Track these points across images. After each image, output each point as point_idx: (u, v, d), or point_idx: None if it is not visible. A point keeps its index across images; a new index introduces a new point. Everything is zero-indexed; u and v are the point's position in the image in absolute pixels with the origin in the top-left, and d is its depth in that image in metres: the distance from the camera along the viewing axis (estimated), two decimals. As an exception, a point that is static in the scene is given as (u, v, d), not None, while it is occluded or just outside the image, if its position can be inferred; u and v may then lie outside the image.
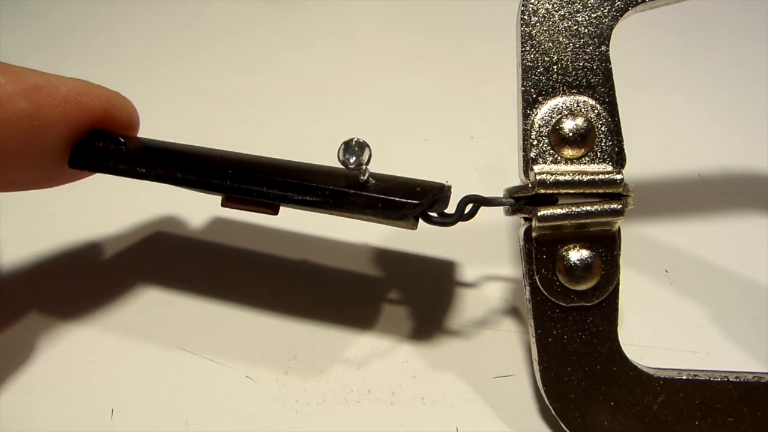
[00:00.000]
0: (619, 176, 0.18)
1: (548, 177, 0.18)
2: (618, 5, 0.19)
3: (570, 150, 0.18)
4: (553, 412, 0.19)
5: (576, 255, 0.18)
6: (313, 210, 0.19)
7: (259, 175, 0.18)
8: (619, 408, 0.18)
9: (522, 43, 0.19)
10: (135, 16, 0.43)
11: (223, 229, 0.27)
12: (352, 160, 0.17)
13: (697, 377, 0.18)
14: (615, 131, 0.18)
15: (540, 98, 0.19)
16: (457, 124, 0.33)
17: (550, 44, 0.19)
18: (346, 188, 0.18)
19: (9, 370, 0.21)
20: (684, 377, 0.18)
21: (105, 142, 0.20)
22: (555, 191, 0.18)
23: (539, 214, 0.18)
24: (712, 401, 0.18)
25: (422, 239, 0.25)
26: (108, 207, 0.27)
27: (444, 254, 0.26)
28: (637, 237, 0.26)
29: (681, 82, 0.36)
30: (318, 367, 0.22)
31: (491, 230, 0.26)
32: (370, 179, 0.18)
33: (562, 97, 0.19)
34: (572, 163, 0.18)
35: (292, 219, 0.22)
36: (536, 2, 0.19)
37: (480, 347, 0.22)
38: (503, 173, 0.29)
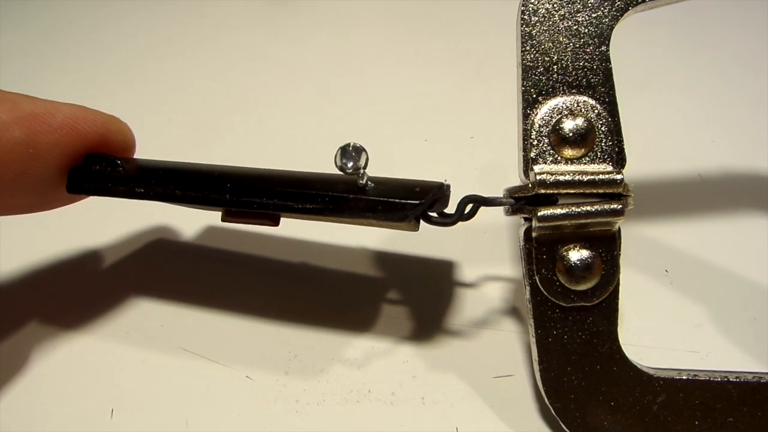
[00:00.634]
0: (619, 176, 0.18)
1: (548, 177, 0.18)
2: (618, 5, 0.19)
3: (570, 150, 0.18)
4: (553, 412, 0.19)
5: (576, 255, 0.18)
6: (314, 218, 0.19)
7: (257, 186, 0.18)
8: (619, 408, 0.18)
9: (522, 43, 0.19)
10: (134, 16, 0.43)
11: (223, 235, 0.27)
12: (350, 164, 0.17)
13: (697, 377, 0.18)
14: (615, 131, 0.18)
15: (540, 98, 0.19)
16: (457, 124, 0.33)
17: (550, 44, 0.19)
18: (345, 193, 0.18)
19: (10, 371, 0.21)
20: (684, 377, 0.18)
21: (102, 165, 0.20)
22: (555, 191, 0.18)
23: (539, 214, 0.18)
24: (712, 401, 0.18)
25: (422, 239, 0.25)
26: (109, 214, 0.27)
27: (444, 254, 0.26)
28: (637, 237, 0.26)
29: (681, 82, 0.36)
30: (318, 367, 0.22)
31: (491, 230, 0.26)
32: (369, 183, 0.18)
33: (562, 97, 0.19)
34: (572, 163, 0.18)
35: (291, 226, 0.22)
36: (536, 2, 0.19)
37: (480, 347, 0.22)
38: (503, 173, 0.29)
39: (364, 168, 0.17)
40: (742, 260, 0.25)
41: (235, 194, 0.18)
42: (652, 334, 0.22)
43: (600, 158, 0.18)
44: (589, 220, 0.18)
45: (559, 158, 0.18)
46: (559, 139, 0.18)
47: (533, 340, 0.19)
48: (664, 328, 0.23)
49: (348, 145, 0.17)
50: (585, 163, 0.18)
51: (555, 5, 0.19)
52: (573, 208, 0.18)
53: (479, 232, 0.26)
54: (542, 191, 0.18)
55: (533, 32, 0.19)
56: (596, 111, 0.18)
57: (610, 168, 0.18)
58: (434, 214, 0.18)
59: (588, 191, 0.18)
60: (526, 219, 0.19)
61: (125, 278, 0.25)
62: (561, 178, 0.18)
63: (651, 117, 0.33)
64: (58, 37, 0.41)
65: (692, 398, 0.18)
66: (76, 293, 0.24)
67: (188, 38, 0.41)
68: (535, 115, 0.18)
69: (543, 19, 0.19)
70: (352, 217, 0.18)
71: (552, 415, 0.19)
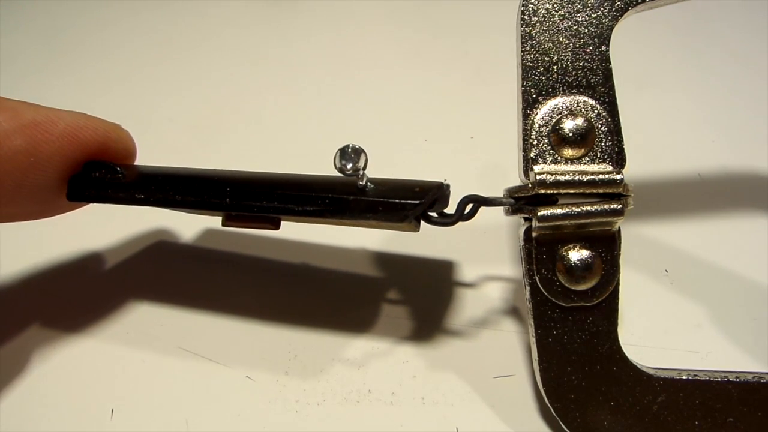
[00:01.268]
0: (619, 176, 0.18)
1: (548, 177, 0.18)
2: (618, 5, 0.19)
3: (570, 150, 0.18)
4: (553, 412, 0.19)
5: (576, 255, 0.18)
6: (314, 220, 0.19)
7: (257, 190, 0.18)
8: (619, 408, 0.18)
9: (522, 43, 0.19)
10: (134, 16, 0.43)
11: (222, 236, 0.27)
12: (349, 166, 0.17)
13: (697, 377, 0.18)
14: (615, 131, 0.18)
15: (540, 98, 0.19)
16: (457, 124, 0.33)
17: (550, 44, 0.19)
18: (345, 195, 0.18)
19: (11, 371, 0.21)
20: (684, 377, 0.18)
21: (102, 172, 0.20)
22: (555, 191, 0.18)
23: (539, 214, 0.18)
24: (712, 401, 0.18)
25: (422, 240, 0.25)
26: (110, 216, 0.27)
27: (444, 254, 0.26)
28: (637, 237, 0.26)
29: (681, 82, 0.36)
30: (318, 367, 0.22)
31: (491, 230, 0.26)
32: (369, 184, 0.18)
33: (562, 97, 0.19)
34: (572, 163, 0.18)
35: (291, 227, 0.22)
36: (536, 2, 0.19)
37: (480, 347, 0.22)
38: (503, 173, 0.29)
39: (364, 169, 0.17)
40: (742, 260, 0.25)
41: (234, 198, 0.18)
42: (652, 334, 0.22)
43: (600, 158, 0.18)
44: (589, 220, 0.18)
45: (559, 158, 0.18)
46: (559, 139, 0.18)
47: (533, 340, 0.19)
48: (664, 328, 0.23)
49: (347, 146, 0.17)
50: (585, 163, 0.18)
51: (555, 5, 0.19)
52: (573, 208, 0.18)
53: (479, 232, 0.26)
54: (542, 191, 0.18)
55: (533, 32, 0.19)
56: (596, 111, 0.18)
57: (610, 168, 0.18)
58: (434, 214, 0.19)
59: (588, 191, 0.18)
60: (526, 219, 0.19)
61: (126, 279, 0.25)
62: (561, 178, 0.18)
63: (651, 117, 0.33)
64: (56, 37, 0.41)
65: (692, 398, 0.18)
66: (77, 295, 0.24)
67: (188, 39, 0.41)
68: (535, 115, 0.18)
69: (543, 19, 0.19)
70: (353, 218, 0.18)
71: (552, 415, 0.19)
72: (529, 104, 0.19)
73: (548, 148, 0.18)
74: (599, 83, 0.18)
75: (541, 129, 0.18)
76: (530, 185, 0.18)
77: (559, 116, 0.18)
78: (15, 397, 0.21)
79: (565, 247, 0.18)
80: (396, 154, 0.30)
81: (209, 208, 0.19)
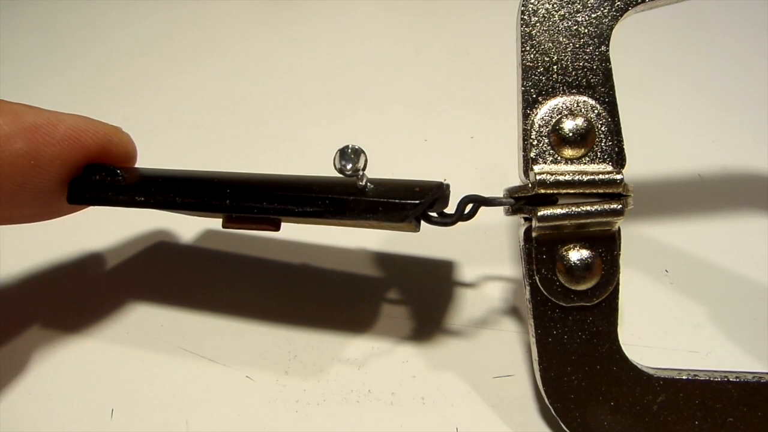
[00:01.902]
0: (619, 176, 0.18)
1: (548, 177, 0.18)
2: (618, 5, 0.19)
3: (570, 150, 0.18)
4: (553, 412, 0.19)
5: (576, 255, 0.18)
6: (314, 221, 0.19)
7: (257, 191, 0.18)
8: (619, 408, 0.18)
9: (522, 43, 0.19)
10: (134, 17, 0.43)
11: (222, 237, 0.27)
12: (349, 166, 0.17)
13: (697, 377, 0.18)
14: (615, 131, 0.18)
15: (540, 98, 0.19)
16: (457, 124, 0.33)
17: (550, 44, 0.19)
18: (345, 195, 0.18)
19: (11, 371, 0.21)
20: (684, 377, 0.18)
21: (102, 175, 0.20)
22: (555, 191, 0.18)
23: (539, 214, 0.18)
24: (712, 401, 0.18)
25: (422, 240, 0.25)
26: (110, 217, 0.27)
27: (444, 254, 0.26)
28: (637, 237, 0.26)
29: (681, 82, 0.36)
30: (318, 367, 0.22)
31: (491, 230, 0.26)
32: (368, 184, 0.18)
33: (562, 97, 0.19)
34: (572, 163, 0.18)
35: (291, 228, 0.22)
36: (536, 2, 0.19)
37: (480, 347, 0.22)
38: (503, 173, 0.29)
39: (363, 169, 0.17)
40: (742, 260, 0.25)
41: (235, 200, 0.18)
42: (652, 334, 0.22)
43: (600, 158, 0.18)
44: (589, 220, 0.18)
45: (559, 158, 0.18)
46: (559, 139, 0.18)
47: (533, 340, 0.19)
48: (664, 328, 0.23)
49: (347, 147, 0.17)
50: (585, 163, 0.18)
51: (555, 5, 0.19)
52: (573, 208, 0.18)
53: (479, 232, 0.26)
54: (542, 191, 0.18)
55: (533, 32, 0.19)
56: (596, 111, 0.18)
57: (610, 168, 0.18)
58: (434, 214, 0.19)
59: (588, 191, 0.18)
60: (526, 219, 0.19)
61: (126, 280, 0.25)
62: (561, 178, 0.18)
63: (651, 117, 0.33)
64: (56, 39, 0.41)
65: (692, 398, 0.18)
66: (77, 295, 0.24)
67: (188, 39, 0.41)
68: (535, 115, 0.18)
69: (543, 20, 0.19)
70: (353, 218, 0.18)
71: (552, 415, 0.19)
72: (529, 104, 0.19)
73: (548, 148, 0.18)
74: (599, 83, 0.18)
75: (541, 129, 0.18)
76: (530, 185, 0.18)
77: (559, 116, 0.18)
78: (15, 397, 0.21)
79: (565, 247, 0.18)
80: (396, 154, 0.30)
81: (209, 210, 0.19)
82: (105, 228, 0.27)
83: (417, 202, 0.17)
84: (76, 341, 0.23)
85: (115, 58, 0.39)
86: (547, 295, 0.18)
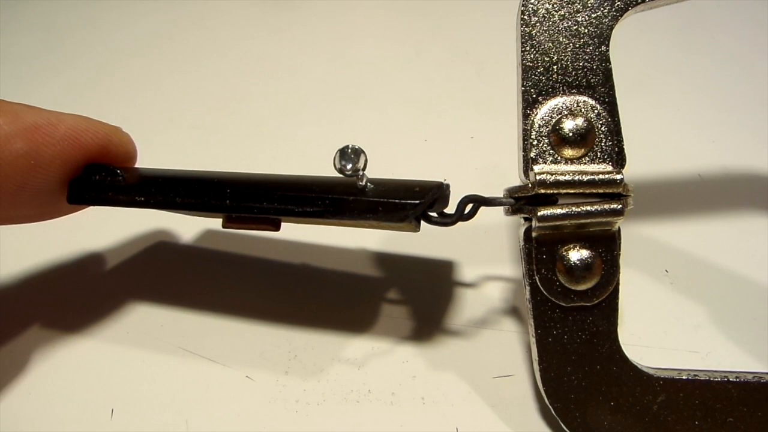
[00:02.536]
0: (619, 176, 0.18)
1: (548, 177, 0.18)
2: (618, 5, 0.19)
3: (570, 150, 0.18)
4: (553, 412, 0.19)
5: (576, 255, 0.18)
6: (314, 221, 0.19)
7: (257, 191, 0.18)
8: (619, 408, 0.18)
9: (522, 43, 0.19)
10: (134, 17, 0.43)
11: (222, 237, 0.27)
12: (349, 166, 0.17)
13: (697, 377, 0.18)
14: (615, 131, 0.18)
15: (540, 98, 0.19)
16: (457, 124, 0.33)
17: (550, 44, 0.19)
18: (345, 195, 0.18)
19: (11, 371, 0.21)
20: (684, 377, 0.18)
21: (102, 175, 0.20)
22: (555, 191, 0.18)
23: (539, 214, 0.18)
24: (712, 401, 0.18)
25: (422, 240, 0.25)
26: (110, 217, 0.27)
27: (444, 254, 0.26)
28: (637, 237, 0.26)
29: (681, 82, 0.36)
30: (318, 367, 0.22)
31: (491, 230, 0.26)
32: (368, 184, 0.18)
33: (562, 97, 0.19)
34: (572, 163, 0.18)
35: (291, 228, 0.22)
36: (536, 2, 0.19)
37: (480, 347, 0.22)
38: (503, 173, 0.29)
39: (363, 169, 0.17)
40: (742, 260, 0.25)
41: (235, 200, 0.18)
42: (652, 334, 0.22)
43: (600, 158, 0.18)
44: (589, 220, 0.18)
45: (559, 158, 0.18)
46: (559, 139, 0.18)
47: (533, 340, 0.19)
48: (664, 328, 0.23)
49: (346, 147, 0.17)
50: (585, 163, 0.18)
51: (555, 5, 0.19)
52: (573, 208, 0.18)
53: (479, 232, 0.26)
54: (542, 191, 0.18)
55: (533, 32, 0.19)
56: (596, 111, 0.18)
57: (610, 168, 0.18)
58: (434, 214, 0.19)
59: (588, 191, 0.18)
60: (526, 219, 0.19)
61: (126, 280, 0.25)
62: (561, 178, 0.18)
63: (651, 117, 0.33)
64: (56, 39, 0.41)
65: (692, 398, 0.18)
66: (77, 295, 0.24)
67: (188, 39, 0.41)
68: (535, 115, 0.18)
69: (543, 20, 0.19)
70: (353, 218, 0.18)
71: (552, 415, 0.19)
72: (529, 104, 0.19)
73: (548, 148, 0.18)
74: (599, 83, 0.18)
75: (541, 129, 0.18)
76: (530, 185, 0.18)
77: (559, 116, 0.18)
78: (15, 397, 0.21)
79: (565, 247, 0.18)
80: (396, 154, 0.30)
81: (209, 210, 0.19)
82: (105, 228, 0.27)
83: (417, 202, 0.17)
84: (76, 341, 0.23)
85: (115, 58, 0.39)
86: (547, 295, 0.18)
